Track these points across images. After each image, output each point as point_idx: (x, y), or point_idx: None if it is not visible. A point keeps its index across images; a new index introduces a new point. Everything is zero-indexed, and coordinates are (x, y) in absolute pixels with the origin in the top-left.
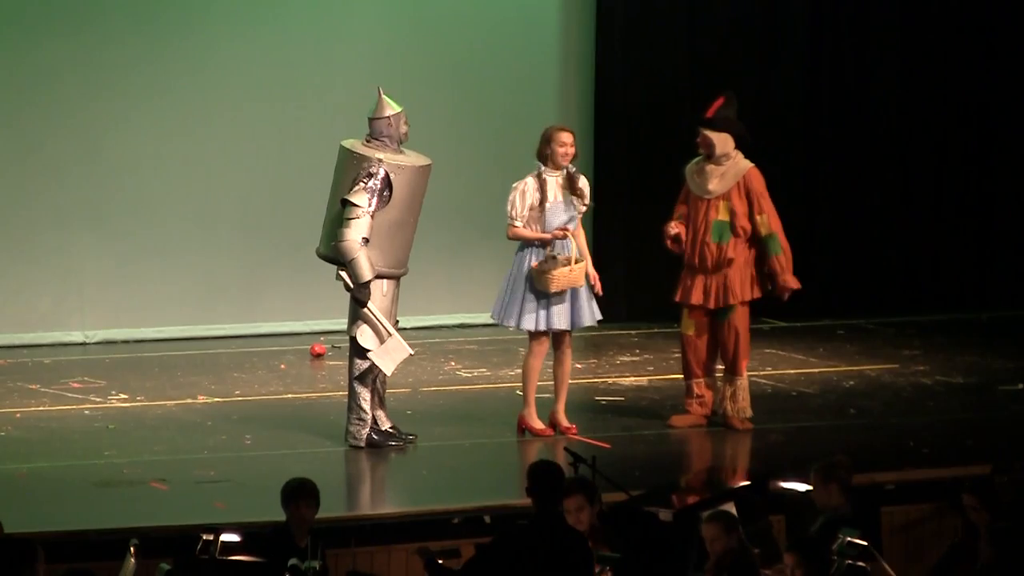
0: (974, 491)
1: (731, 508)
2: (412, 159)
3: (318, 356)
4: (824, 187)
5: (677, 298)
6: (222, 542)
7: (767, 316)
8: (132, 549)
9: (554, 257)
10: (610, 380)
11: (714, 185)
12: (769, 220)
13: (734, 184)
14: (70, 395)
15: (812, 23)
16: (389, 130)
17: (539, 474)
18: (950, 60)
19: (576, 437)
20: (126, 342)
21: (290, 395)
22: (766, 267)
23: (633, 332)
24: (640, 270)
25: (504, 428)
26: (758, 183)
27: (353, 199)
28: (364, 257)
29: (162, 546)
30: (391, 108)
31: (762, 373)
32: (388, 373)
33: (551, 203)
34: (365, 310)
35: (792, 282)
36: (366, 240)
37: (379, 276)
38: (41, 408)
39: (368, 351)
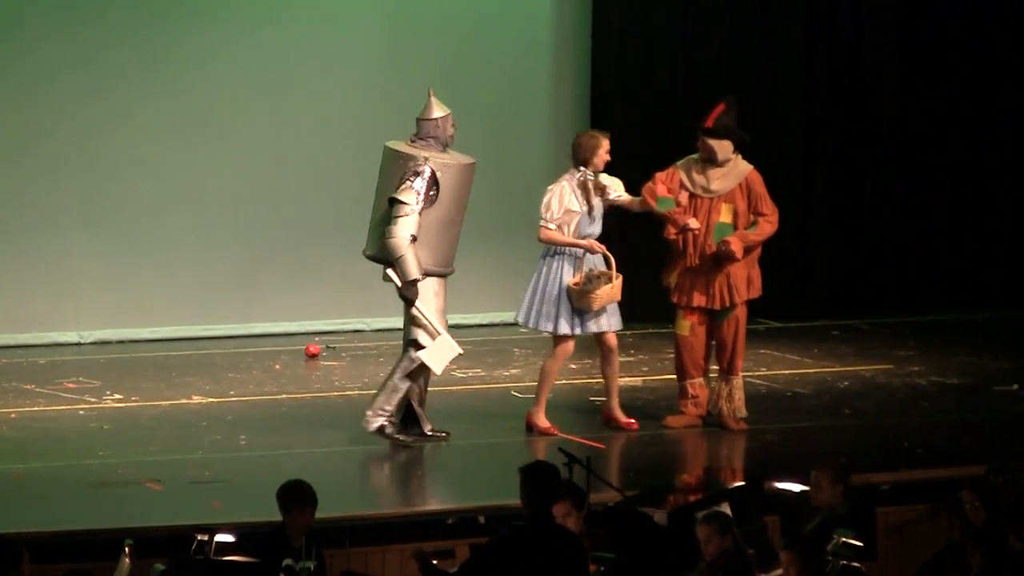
0: (972, 487)
1: (726, 509)
2: (457, 158)
3: (313, 357)
4: (819, 188)
5: (675, 299)
6: (217, 542)
7: (762, 317)
8: (127, 549)
9: (597, 276)
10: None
11: (717, 185)
12: (765, 220)
13: (737, 184)
14: (65, 395)
15: (808, 23)
16: (436, 131)
17: (533, 476)
18: (946, 62)
19: (570, 437)
20: (121, 342)
21: (285, 395)
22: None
23: (627, 332)
24: (634, 271)
25: (499, 428)
26: (759, 184)
27: (401, 197)
28: (412, 254)
29: (157, 546)
30: (440, 110)
31: (757, 374)
32: (438, 372)
33: (586, 208)
34: (414, 309)
35: (735, 244)
36: (414, 238)
37: (429, 274)
38: (36, 408)
39: (418, 350)
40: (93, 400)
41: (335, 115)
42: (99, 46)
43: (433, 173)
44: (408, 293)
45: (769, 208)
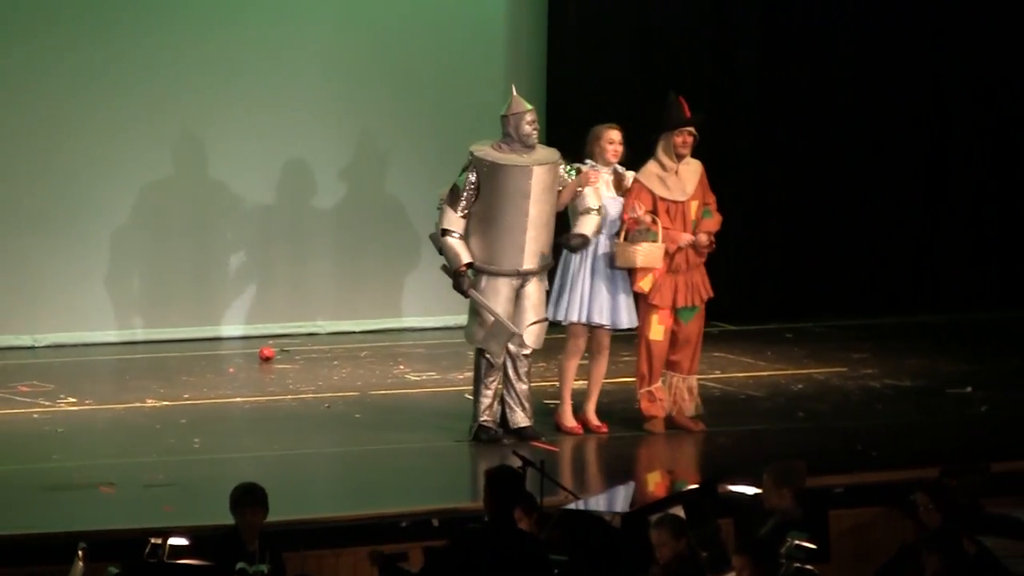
0: (926, 490)
1: (679, 512)
2: (516, 159)
3: (267, 360)
4: (774, 191)
5: (656, 303)
6: (170, 546)
7: (716, 320)
8: (80, 553)
9: (648, 229)
10: (558, 383)
11: (691, 185)
12: (714, 209)
13: (698, 180)
14: (19, 399)
15: (764, 23)
16: (508, 128)
17: (499, 479)
18: (902, 64)
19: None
20: (75, 346)
21: (239, 398)
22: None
23: None
24: None
25: (452, 431)
26: (705, 174)
27: (442, 192)
28: (448, 246)
29: (110, 550)
30: (514, 107)
31: (711, 376)
32: (493, 355)
33: (602, 199)
34: (470, 298)
35: (710, 228)
36: (444, 231)
37: (475, 267)
38: None
39: (476, 339)
40: (47, 404)
41: (291, 118)
42: (54, 50)
43: (473, 169)
44: (455, 283)
45: (711, 196)
